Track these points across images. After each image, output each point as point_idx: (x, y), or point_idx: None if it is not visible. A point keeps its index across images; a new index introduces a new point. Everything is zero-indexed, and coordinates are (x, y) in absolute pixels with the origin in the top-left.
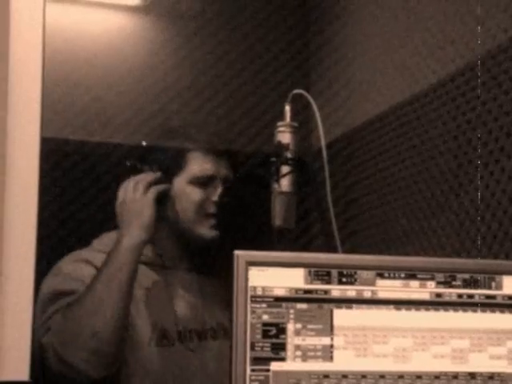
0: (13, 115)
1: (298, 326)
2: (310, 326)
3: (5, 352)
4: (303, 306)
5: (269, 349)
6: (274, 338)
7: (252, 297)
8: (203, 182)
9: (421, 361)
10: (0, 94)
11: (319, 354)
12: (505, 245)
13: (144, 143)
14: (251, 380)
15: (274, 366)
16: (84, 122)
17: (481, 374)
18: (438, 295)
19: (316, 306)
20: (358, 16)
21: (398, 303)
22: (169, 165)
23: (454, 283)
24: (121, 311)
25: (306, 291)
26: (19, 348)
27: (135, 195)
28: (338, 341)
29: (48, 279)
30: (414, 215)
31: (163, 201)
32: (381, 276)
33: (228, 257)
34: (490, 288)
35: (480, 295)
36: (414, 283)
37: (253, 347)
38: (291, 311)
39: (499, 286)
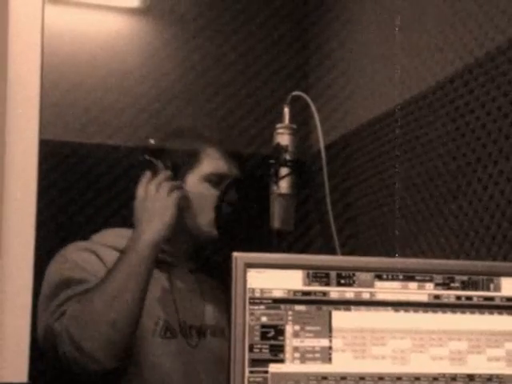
0: (11, 117)
1: (297, 327)
2: (308, 328)
3: (3, 353)
4: (302, 307)
5: (267, 350)
6: (272, 339)
7: (250, 298)
8: (216, 181)
9: (419, 362)
10: None
11: (318, 355)
12: (503, 246)
13: (152, 141)
14: (250, 382)
15: (273, 367)
16: (83, 124)
17: (479, 376)
18: (437, 297)
19: (314, 307)
20: (357, 18)
21: (397, 305)
22: (182, 162)
23: (452, 285)
24: (137, 304)
25: (305, 293)
26: (18, 349)
27: (159, 194)
28: (336, 342)
29: (53, 266)
30: (413, 217)
31: (182, 206)
32: (379, 278)
33: (227, 258)
34: (488, 290)
35: (478, 297)
36: (413, 285)
37: (251, 349)
38: (290, 313)
39: (497, 288)
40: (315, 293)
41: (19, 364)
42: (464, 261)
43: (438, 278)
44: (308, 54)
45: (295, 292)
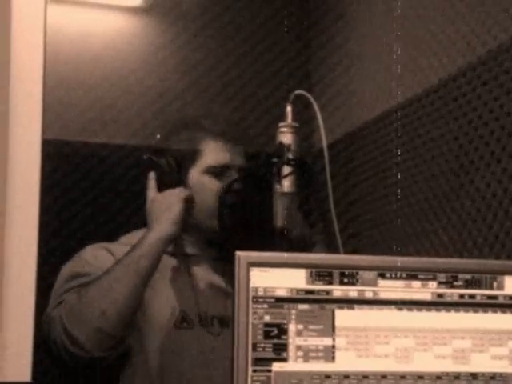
0: (14, 117)
1: (300, 326)
2: (311, 327)
3: (7, 353)
4: (305, 306)
5: (270, 349)
6: (275, 338)
7: (253, 297)
8: (218, 172)
9: (422, 361)
10: (1, 95)
11: (321, 354)
12: (506, 245)
13: (158, 136)
14: (253, 380)
15: (276, 366)
16: (85, 123)
17: (482, 375)
18: (440, 295)
19: (318, 306)
20: (360, 17)
21: (400, 303)
22: (184, 156)
23: (455, 283)
24: (132, 297)
25: (308, 292)
26: (21, 349)
27: (165, 194)
28: (339, 341)
29: (67, 265)
30: (416, 215)
31: (188, 206)
32: (382, 276)
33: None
34: (491, 288)
35: (482, 295)
36: (416, 283)
37: (254, 348)
38: (293, 312)
39: (501, 287)
40: (318, 292)
41: (23, 363)
42: (467, 259)
43: (442, 277)
44: (310, 52)
45: (298, 291)
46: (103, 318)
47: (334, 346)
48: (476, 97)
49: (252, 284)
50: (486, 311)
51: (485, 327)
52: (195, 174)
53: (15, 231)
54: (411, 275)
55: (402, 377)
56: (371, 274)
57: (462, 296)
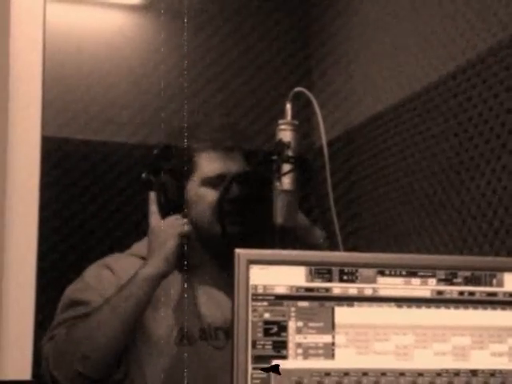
0: (14, 114)
1: (300, 324)
2: (311, 324)
3: (7, 352)
4: (304, 304)
5: (270, 347)
6: (275, 336)
7: (253, 295)
8: (215, 182)
9: (422, 358)
10: (1, 93)
11: (321, 351)
12: (506, 242)
13: (155, 151)
14: (253, 378)
15: (276, 363)
16: (85, 120)
17: (482, 371)
18: (439, 292)
19: (317, 303)
20: (359, 14)
21: (399, 301)
22: (181, 171)
23: (455, 280)
24: (118, 340)
25: (308, 289)
26: (22, 348)
27: (161, 227)
28: (339, 338)
29: (70, 288)
30: (416, 213)
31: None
32: (382, 274)
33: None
34: (491, 285)
35: (481, 292)
36: (415, 280)
37: (254, 345)
38: (292, 309)
39: (500, 283)
40: (318, 289)
41: (23, 362)
42: (467, 256)
43: (441, 274)
44: (310, 50)
45: (298, 288)
46: (85, 362)
47: (333, 344)
48: (476, 94)
49: (252, 281)
50: (485, 308)
51: (484, 324)
52: (193, 187)
53: (15, 227)
54: (411, 272)
55: (402, 374)
56: (371, 272)
57: (461, 293)
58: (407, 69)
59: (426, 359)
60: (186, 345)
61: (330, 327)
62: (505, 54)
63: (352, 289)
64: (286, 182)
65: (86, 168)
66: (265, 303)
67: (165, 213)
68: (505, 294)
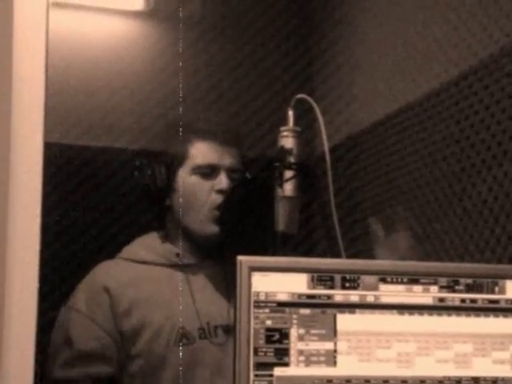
0: (16, 120)
1: (302, 331)
2: (313, 331)
3: (8, 358)
4: (306, 311)
5: (272, 354)
6: (277, 343)
7: (255, 302)
8: (206, 172)
9: (424, 365)
10: (3, 99)
11: (322, 358)
12: (508, 249)
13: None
14: None
15: (278, 371)
16: (87, 127)
17: (484, 379)
18: (441, 300)
19: (319, 311)
20: (361, 20)
21: (401, 308)
22: (172, 158)
23: (457, 288)
24: None
25: (309, 296)
26: (23, 354)
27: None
28: (341, 346)
29: (64, 313)
30: (417, 219)
31: None
32: (384, 281)
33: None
34: (493, 292)
35: (483, 300)
36: (417, 288)
37: (256, 352)
38: (294, 316)
39: (502, 291)
40: (320, 296)
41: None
42: (469, 263)
43: (443, 281)
44: (312, 56)
45: (300, 295)
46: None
47: (335, 351)
48: (478, 100)
49: (253, 288)
50: (487, 315)
51: (486, 331)
52: (183, 175)
53: (17, 234)
54: (412, 279)
55: (404, 381)
56: (373, 279)
57: (463, 300)
58: (409, 75)
59: (428, 366)
60: (186, 344)
61: (332, 334)
62: (507, 61)
63: (354, 296)
64: (288, 188)
65: (88, 174)
66: (267, 310)
67: (153, 198)
68: (507, 301)
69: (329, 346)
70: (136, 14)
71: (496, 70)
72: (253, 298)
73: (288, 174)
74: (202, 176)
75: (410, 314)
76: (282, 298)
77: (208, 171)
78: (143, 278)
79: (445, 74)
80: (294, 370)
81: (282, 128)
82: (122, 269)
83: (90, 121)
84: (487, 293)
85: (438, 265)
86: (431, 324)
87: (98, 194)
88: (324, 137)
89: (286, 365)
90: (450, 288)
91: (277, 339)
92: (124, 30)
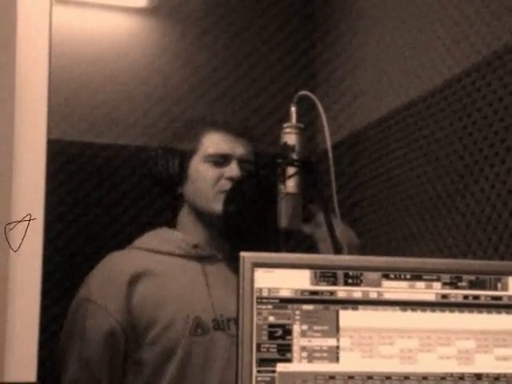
0: (19, 117)
1: (304, 327)
2: (315, 328)
3: (12, 353)
4: (309, 307)
5: (275, 350)
6: (280, 339)
7: (258, 298)
8: (217, 161)
9: (427, 362)
10: (7, 96)
11: (325, 355)
12: (510, 245)
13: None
14: (257, 381)
15: (280, 367)
16: (90, 123)
17: (487, 375)
18: (444, 296)
19: (322, 307)
20: (364, 18)
21: (404, 304)
22: (186, 147)
23: (459, 284)
24: None
25: (312, 292)
26: (27, 349)
27: None
28: (343, 342)
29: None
30: (420, 216)
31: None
32: (387, 277)
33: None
34: (495, 289)
35: (486, 296)
36: (420, 284)
37: (259, 348)
38: (297, 312)
39: (505, 287)
40: (322, 292)
41: (28, 364)
42: (471, 260)
43: (446, 278)
44: (315, 53)
45: (303, 291)
46: None
47: (338, 347)
48: (481, 98)
49: (256, 284)
50: (490, 312)
51: (489, 328)
52: (195, 163)
53: (20, 231)
54: (415, 276)
55: (407, 377)
56: (375, 275)
57: (466, 297)
58: (412, 72)
59: (431, 363)
60: (201, 334)
61: (335, 330)
62: (509, 58)
63: (357, 292)
64: (291, 185)
65: (91, 170)
66: (269, 306)
67: (166, 187)
68: (509, 297)
69: (331, 342)
70: (139, 11)
71: (499, 67)
72: (256, 294)
73: (290, 170)
74: (213, 164)
75: (413, 310)
76: (285, 294)
77: (220, 160)
78: (157, 268)
79: (448, 70)
80: (297, 366)
81: (285, 124)
82: (135, 258)
83: (93, 117)
84: (490, 289)
85: (442, 261)
86: (434, 320)
87: (100, 190)
88: (327, 133)
89: (289, 361)
90: (453, 284)
91: (280, 335)
92: (127, 26)
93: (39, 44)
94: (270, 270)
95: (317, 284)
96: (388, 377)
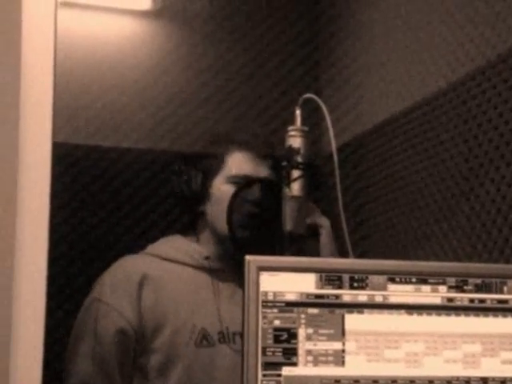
0: (24, 120)
1: (310, 330)
2: (321, 331)
3: (17, 360)
4: (314, 310)
5: (280, 354)
6: (285, 342)
7: (263, 302)
8: (241, 182)
9: (433, 365)
10: (12, 99)
11: (331, 358)
12: None
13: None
14: None
15: (286, 370)
16: (95, 126)
17: (493, 379)
18: (450, 300)
19: (327, 310)
20: (368, 21)
21: (410, 308)
22: (209, 166)
23: (465, 288)
24: None
25: (318, 296)
26: (32, 354)
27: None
28: (349, 346)
29: (87, 308)
30: (425, 219)
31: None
32: (392, 281)
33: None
34: (501, 292)
35: (492, 300)
36: (426, 288)
37: (264, 352)
38: (302, 316)
39: (511, 291)
40: (328, 296)
41: (33, 369)
42: (477, 263)
43: (451, 281)
44: (320, 56)
45: (308, 295)
46: None
47: (343, 351)
48: (485, 100)
49: (262, 288)
50: (496, 315)
51: (495, 331)
52: (217, 183)
53: (25, 234)
54: (421, 279)
55: (412, 381)
56: (381, 279)
57: (472, 300)
58: (416, 75)
59: (437, 367)
60: (206, 346)
61: (340, 334)
62: None
63: (362, 296)
64: (296, 188)
65: (96, 174)
66: (275, 310)
67: (187, 203)
68: None
69: (337, 345)
70: (143, 14)
71: (504, 69)
72: (261, 298)
73: (295, 173)
74: (235, 185)
75: (419, 314)
76: (291, 297)
77: (243, 182)
78: (168, 274)
79: (452, 74)
80: (302, 369)
81: (290, 127)
82: (147, 263)
83: (97, 120)
84: (496, 293)
85: (447, 265)
86: (440, 324)
87: (105, 193)
88: (331, 136)
89: (294, 364)
90: (459, 288)
91: (285, 339)
92: (131, 29)
93: (44, 47)
94: (275, 273)
95: (322, 287)
96: (394, 380)
